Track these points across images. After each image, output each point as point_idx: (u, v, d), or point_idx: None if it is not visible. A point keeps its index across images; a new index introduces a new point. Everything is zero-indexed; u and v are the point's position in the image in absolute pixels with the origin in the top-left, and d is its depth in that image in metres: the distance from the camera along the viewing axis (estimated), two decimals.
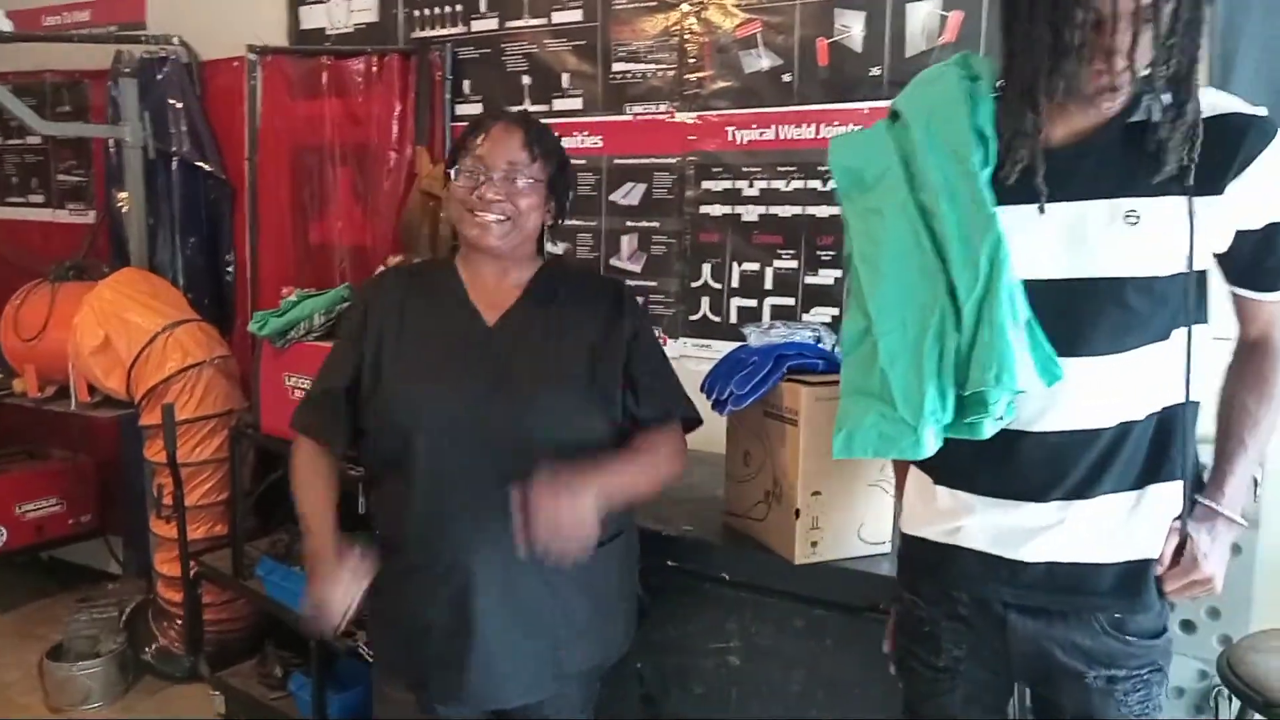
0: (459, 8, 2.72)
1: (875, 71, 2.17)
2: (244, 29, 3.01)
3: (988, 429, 1.12)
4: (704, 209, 2.44)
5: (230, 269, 3.26)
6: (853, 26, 2.20)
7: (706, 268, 2.46)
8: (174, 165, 3.15)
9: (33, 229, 3.73)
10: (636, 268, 2.56)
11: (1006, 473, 1.17)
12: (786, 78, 2.29)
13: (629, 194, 2.55)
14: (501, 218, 1.43)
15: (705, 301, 2.47)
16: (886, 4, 2.15)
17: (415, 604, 1.43)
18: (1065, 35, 1.03)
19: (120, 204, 3.15)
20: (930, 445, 1.14)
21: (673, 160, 2.47)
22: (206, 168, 3.17)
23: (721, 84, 2.38)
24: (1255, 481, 1.87)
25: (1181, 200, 1.08)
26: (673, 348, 2.48)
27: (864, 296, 1.19)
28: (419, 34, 2.80)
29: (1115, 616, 1.18)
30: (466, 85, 2.75)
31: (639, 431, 1.48)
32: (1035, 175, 1.11)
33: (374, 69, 2.81)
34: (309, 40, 3.00)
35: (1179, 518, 1.17)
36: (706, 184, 2.43)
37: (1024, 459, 1.16)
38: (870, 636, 1.50)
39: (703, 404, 1.65)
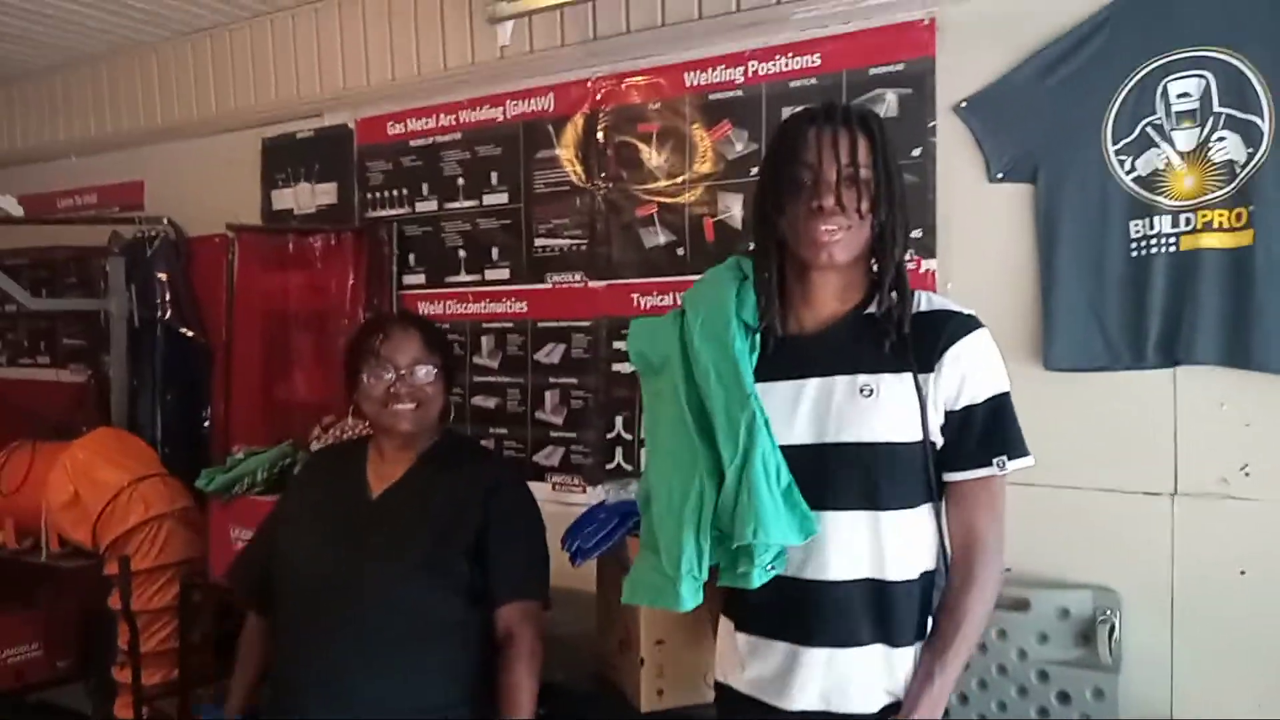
0: (405, 191, 3.05)
1: (742, 250, 2.40)
2: (225, 210, 3.36)
3: (756, 579, 1.26)
4: (615, 367, 2.65)
5: (206, 423, 3.52)
6: (733, 208, 2.46)
7: (619, 420, 2.65)
8: (158, 331, 3.47)
9: (39, 387, 4.06)
10: (559, 420, 2.76)
11: (782, 617, 1.32)
12: (680, 251, 2.54)
13: (550, 353, 2.77)
14: (413, 406, 1.65)
15: (619, 451, 2.65)
16: None
17: None
18: (784, 177, 1.29)
19: (107, 367, 3.45)
20: (689, 598, 1.30)
21: (587, 323, 2.70)
22: (188, 332, 3.47)
23: (626, 256, 2.63)
24: (1113, 628, 1.95)
25: (908, 376, 1.28)
26: (591, 494, 2.64)
27: (648, 466, 1.40)
28: (371, 214, 3.12)
29: None
30: (411, 258, 3.04)
31: (494, 610, 1.63)
32: (787, 356, 1.32)
33: (332, 244, 3.13)
34: (278, 219, 3.35)
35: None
36: (617, 344, 2.65)
37: (794, 604, 1.30)
38: None
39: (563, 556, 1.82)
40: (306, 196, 3.28)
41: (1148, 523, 1.95)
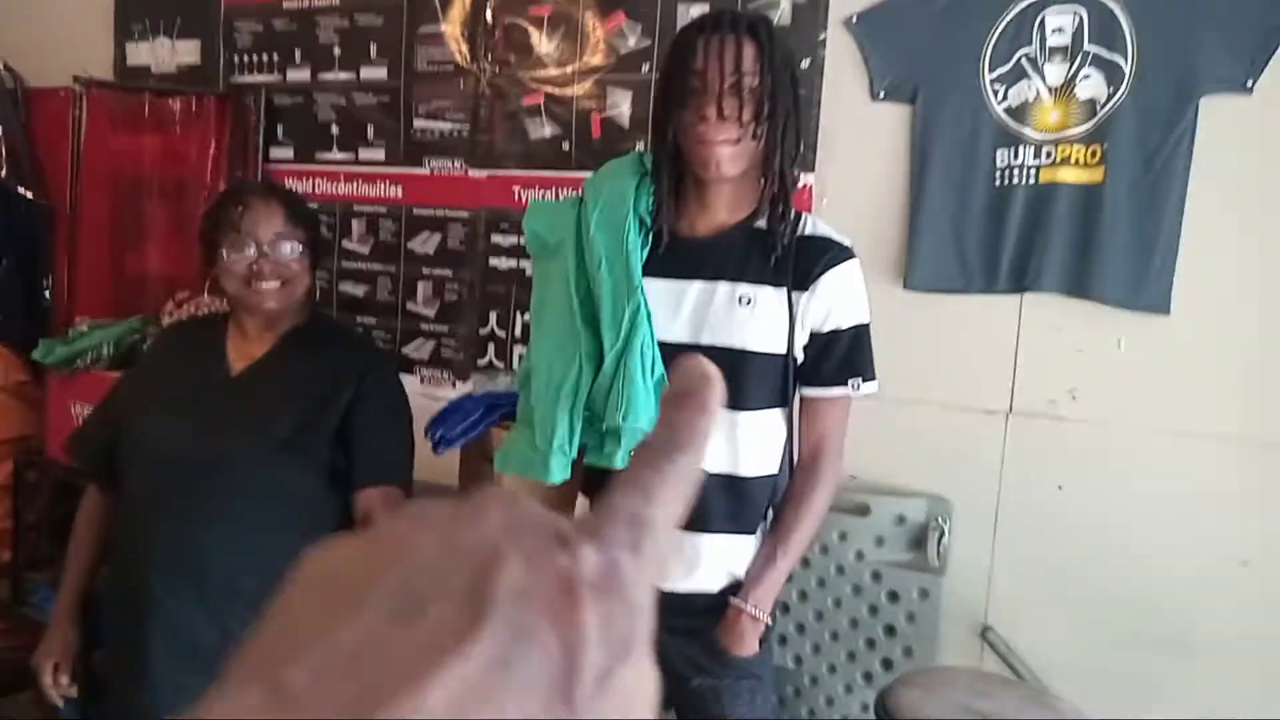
0: (275, 57, 2.85)
1: (640, 146, 2.37)
2: (72, 60, 3.07)
3: (620, 460, 1.33)
4: (493, 261, 2.60)
5: (47, 293, 3.27)
6: (622, 105, 2.41)
7: (494, 316, 2.61)
8: None
9: None
10: (431, 312, 2.70)
11: None
12: (566, 146, 2.48)
13: (425, 242, 2.69)
14: (278, 284, 1.55)
15: (492, 348, 2.62)
16: (650, 88, 2.37)
17: (111, 622, 1.57)
18: (674, 86, 1.32)
19: None
20: (557, 472, 1.35)
21: (466, 214, 2.63)
22: (26, 193, 3.19)
23: (510, 146, 2.55)
24: (942, 534, 2.09)
25: (784, 291, 1.33)
26: (461, 389, 2.61)
27: (531, 345, 1.45)
28: (237, 79, 2.91)
29: (711, 635, 1.37)
30: (279, 130, 2.87)
31: (354, 493, 1.57)
32: (677, 257, 1.36)
33: (193, 108, 2.91)
34: (134, 77, 3.08)
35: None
36: (496, 238, 2.59)
37: None
38: None
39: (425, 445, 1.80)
40: (166, 54, 3.02)
41: (982, 438, 2.08)
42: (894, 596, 2.11)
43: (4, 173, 3.14)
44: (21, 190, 3.18)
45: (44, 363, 2.50)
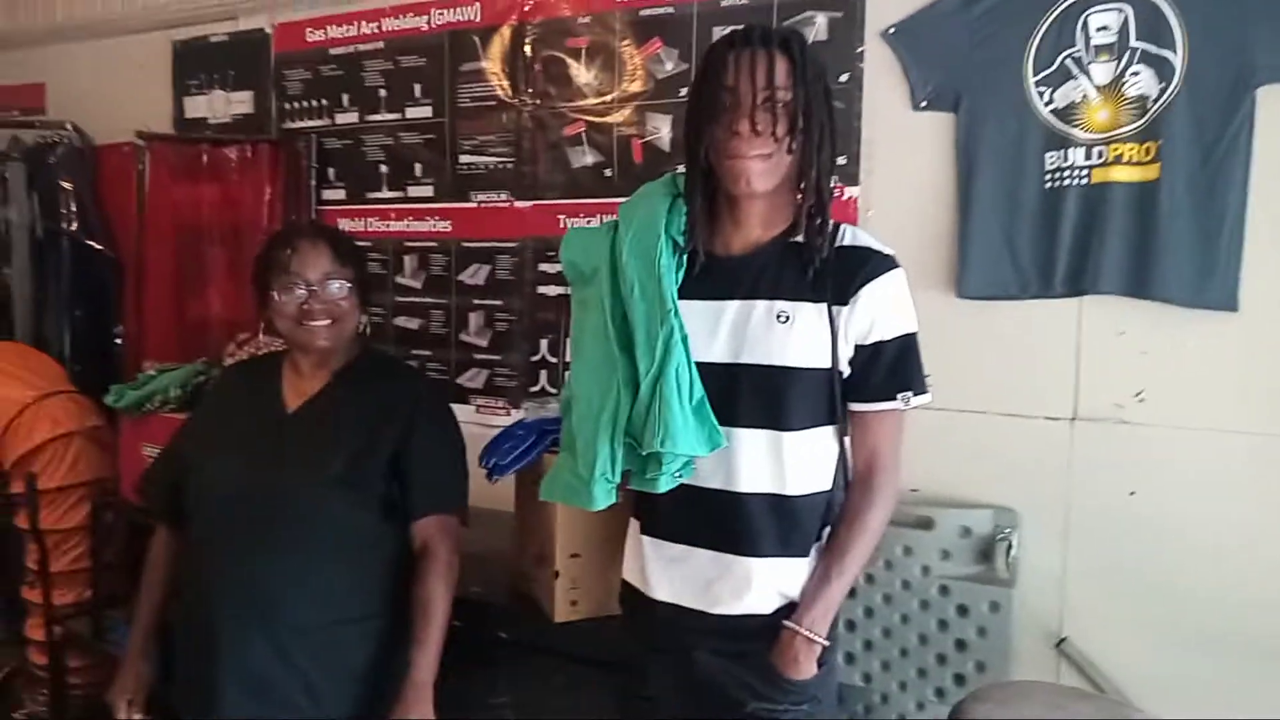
0: (324, 102, 2.94)
1: (681, 169, 2.38)
2: (134, 117, 3.20)
3: (663, 484, 1.33)
4: (541, 289, 2.63)
5: (118, 341, 3.40)
6: (662, 129, 2.43)
7: (544, 343, 2.64)
8: (64, 243, 3.31)
9: None
10: (483, 342, 2.73)
11: (689, 522, 1.38)
12: (608, 172, 2.51)
13: (475, 274, 2.73)
14: (328, 322, 1.61)
15: (543, 374, 2.64)
16: None
17: (181, 656, 1.62)
18: (705, 102, 1.31)
19: (9, 279, 3.29)
20: (600, 499, 1.35)
21: (513, 244, 2.67)
22: (96, 245, 3.32)
23: (553, 176, 2.59)
24: (1010, 545, 2.04)
25: (824, 306, 1.31)
26: (515, 417, 2.63)
27: (571, 372, 1.46)
28: (289, 125, 3.00)
29: (766, 659, 1.35)
30: (331, 172, 2.95)
31: (411, 523, 1.62)
32: (712, 277, 1.35)
33: (248, 155, 3.01)
34: (192, 128, 3.20)
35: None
36: (543, 266, 2.62)
37: (700, 511, 1.37)
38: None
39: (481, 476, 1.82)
40: (221, 105, 3.13)
41: (1047, 446, 2.03)
42: (963, 610, 2.06)
43: (76, 227, 3.29)
44: (91, 243, 3.32)
45: (115, 406, 2.59)
